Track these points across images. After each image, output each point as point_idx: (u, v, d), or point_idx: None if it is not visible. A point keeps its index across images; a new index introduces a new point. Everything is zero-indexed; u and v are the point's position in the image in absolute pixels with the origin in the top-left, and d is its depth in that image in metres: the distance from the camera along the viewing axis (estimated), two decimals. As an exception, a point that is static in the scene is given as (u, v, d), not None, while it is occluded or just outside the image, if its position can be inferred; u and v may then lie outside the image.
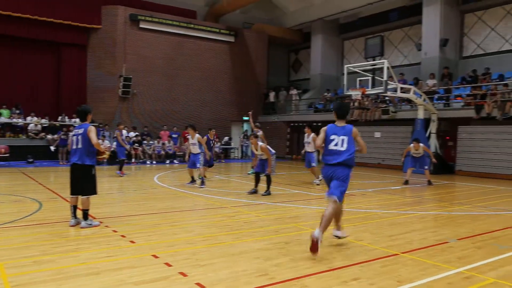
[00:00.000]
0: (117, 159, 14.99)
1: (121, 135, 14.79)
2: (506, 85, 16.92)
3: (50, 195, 10.04)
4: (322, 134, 5.90)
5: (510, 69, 19.20)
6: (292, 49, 32.62)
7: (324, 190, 6.33)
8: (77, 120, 21.40)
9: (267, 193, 10.62)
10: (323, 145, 5.85)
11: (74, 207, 6.87)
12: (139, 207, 8.79)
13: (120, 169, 14.70)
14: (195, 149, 12.34)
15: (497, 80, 18.06)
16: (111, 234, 6.30)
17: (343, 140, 5.65)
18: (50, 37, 21.76)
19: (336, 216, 5.79)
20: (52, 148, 19.82)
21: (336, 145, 5.67)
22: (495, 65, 19.55)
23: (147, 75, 24.11)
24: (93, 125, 7.07)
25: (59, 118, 21.34)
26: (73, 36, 22.37)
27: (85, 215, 6.77)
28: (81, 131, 6.79)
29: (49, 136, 20.04)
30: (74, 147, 6.80)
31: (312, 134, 12.84)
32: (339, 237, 5.97)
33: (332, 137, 5.72)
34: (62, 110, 21.93)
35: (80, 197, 6.86)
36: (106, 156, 7.38)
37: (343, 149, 5.62)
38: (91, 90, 23.12)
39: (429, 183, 13.73)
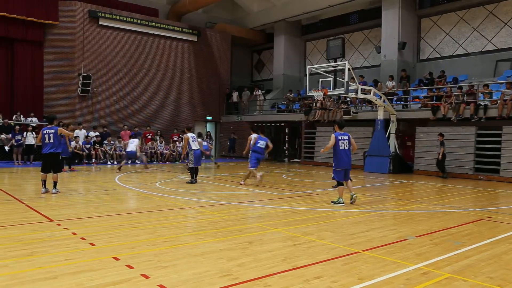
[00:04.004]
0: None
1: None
2: (460, 88, 17.61)
3: (3, 197, 9.62)
4: None
5: (463, 72, 20.03)
6: (255, 50, 32.74)
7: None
8: (34, 119, 20.70)
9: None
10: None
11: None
12: (99, 208, 8.57)
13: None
14: None
15: (452, 82, 18.77)
16: (70, 237, 6.10)
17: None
18: (3, 32, 20.79)
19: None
20: (7, 148, 18.99)
21: None
22: (450, 68, 20.34)
23: (108, 74, 23.53)
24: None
25: (14, 117, 20.48)
26: (28, 32, 21.49)
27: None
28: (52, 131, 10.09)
29: (3, 136, 19.19)
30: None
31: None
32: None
33: None
34: (16, 109, 21.07)
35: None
36: None
37: None
38: (48, 89, 22.34)
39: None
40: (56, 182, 10.28)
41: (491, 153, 16.38)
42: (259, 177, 12.79)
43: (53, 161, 10.21)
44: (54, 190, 10.18)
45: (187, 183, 12.88)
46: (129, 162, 17.67)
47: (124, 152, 21.10)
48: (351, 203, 9.49)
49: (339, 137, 9.43)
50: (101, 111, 23.41)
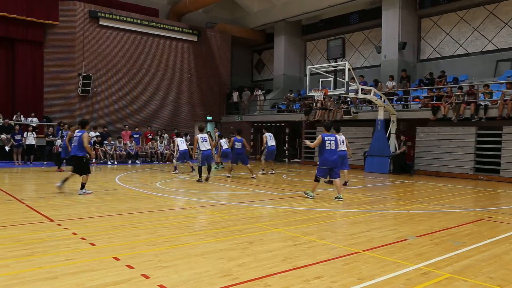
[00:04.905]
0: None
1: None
2: (460, 88, 17.60)
3: (3, 197, 9.63)
4: None
5: (463, 72, 20.02)
6: (255, 50, 32.74)
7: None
8: (34, 119, 20.69)
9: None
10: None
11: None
12: (99, 208, 8.57)
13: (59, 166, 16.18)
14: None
15: (452, 83, 18.76)
16: (70, 237, 6.10)
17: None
18: (3, 32, 20.79)
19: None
20: (7, 148, 18.99)
21: None
22: (450, 68, 20.33)
23: (108, 74, 23.54)
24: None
25: (14, 117, 20.48)
26: (28, 32, 21.50)
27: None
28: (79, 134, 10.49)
29: (3, 136, 19.18)
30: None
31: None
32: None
33: None
34: (16, 109, 21.07)
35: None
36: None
37: None
38: (48, 89, 22.34)
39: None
40: (84, 183, 10.36)
41: (491, 153, 16.37)
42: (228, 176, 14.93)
43: (75, 163, 10.53)
44: (80, 192, 10.28)
45: (197, 181, 13.47)
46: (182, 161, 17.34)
47: (124, 152, 21.16)
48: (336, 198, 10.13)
49: (326, 138, 9.96)
50: (101, 111, 23.42)
